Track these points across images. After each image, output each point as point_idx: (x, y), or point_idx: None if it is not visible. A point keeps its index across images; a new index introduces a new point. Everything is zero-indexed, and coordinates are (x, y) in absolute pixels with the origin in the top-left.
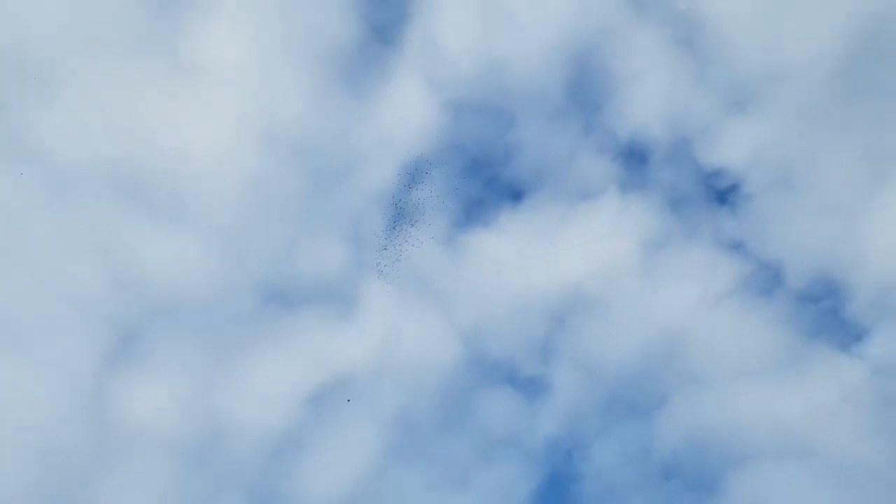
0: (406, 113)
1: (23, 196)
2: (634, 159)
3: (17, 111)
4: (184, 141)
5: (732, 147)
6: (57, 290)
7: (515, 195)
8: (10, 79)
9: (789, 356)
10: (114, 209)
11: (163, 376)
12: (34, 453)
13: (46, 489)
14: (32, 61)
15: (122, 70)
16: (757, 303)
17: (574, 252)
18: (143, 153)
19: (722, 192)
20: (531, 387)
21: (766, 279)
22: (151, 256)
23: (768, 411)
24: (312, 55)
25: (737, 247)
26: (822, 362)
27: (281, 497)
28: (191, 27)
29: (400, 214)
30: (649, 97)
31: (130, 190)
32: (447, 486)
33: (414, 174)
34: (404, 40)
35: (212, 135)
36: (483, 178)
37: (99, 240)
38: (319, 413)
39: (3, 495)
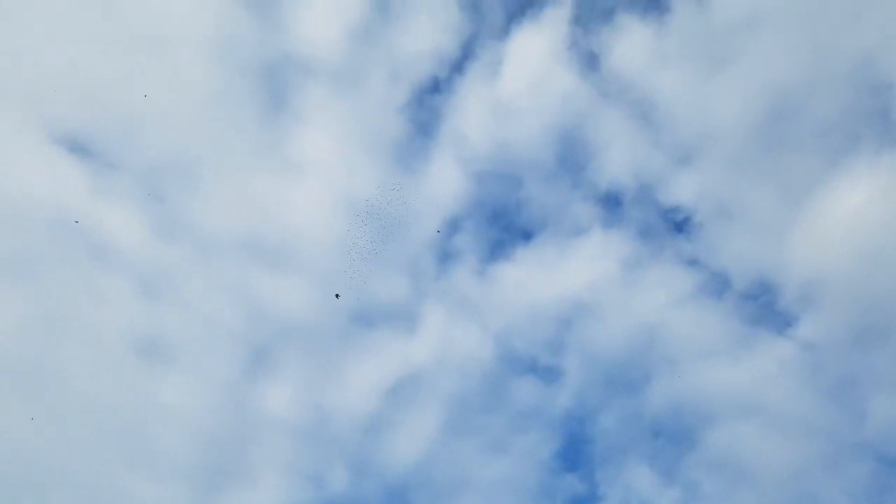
0: (443, 183)
1: (181, 258)
2: (611, 203)
3: (174, 197)
4: (291, 213)
5: (683, 190)
6: (208, 323)
7: (526, 235)
8: (168, 174)
9: (739, 340)
10: (245, 264)
11: (285, 380)
12: (198, 438)
13: (208, 461)
14: (184, 161)
15: (247, 165)
16: (711, 302)
17: (573, 273)
18: (263, 224)
19: (679, 223)
20: (548, 373)
21: (717, 284)
22: (273, 295)
23: (727, 382)
24: (377, 146)
25: (693, 262)
26: (764, 344)
27: (372, 464)
28: (293, 132)
29: (444, 255)
30: (619, 158)
31: (256, 250)
32: (491, 451)
33: (453, 225)
34: (439, 132)
35: (310, 208)
36: (501, 225)
37: (236, 286)
38: (396, 401)
39: (181, 466)
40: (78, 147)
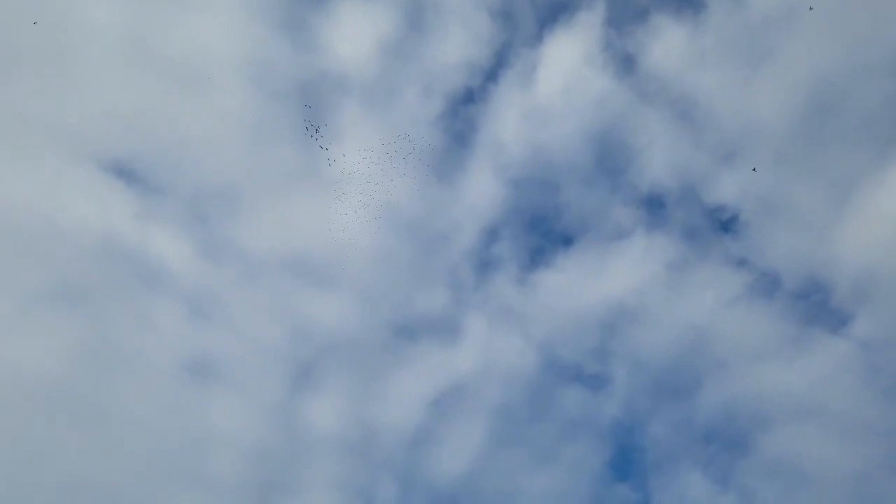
0: (481, 192)
1: (226, 279)
2: (654, 206)
3: (219, 220)
4: (333, 233)
5: (728, 188)
6: (255, 342)
7: (567, 241)
8: (212, 198)
9: (792, 341)
10: (289, 282)
11: (330, 395)
12: (247, 455)
13: (257, 478)
14: (227, 184)
15: (287, 185)
16: (762, 303)
17: (616, 278)
18: (305, 244)
19: (725, 223)
20: (595, 381)
21: (767, 284)
22: (316, 312)
23: (781, 384)
24: (415, 159)
25: (741, 262)
26: (818, 344)
27: (420, 476)
28: (330, 150)
29: (484, 264)
30: (660, 159)
31: (298, 269)
32: (539, 462)
33: (491, 234)
34: (475, 141)
35: (352, 225)
36: (541, 231)
37: (280, 304)
38: (441, 413)
39: (231, 484)
40: (125, 174)
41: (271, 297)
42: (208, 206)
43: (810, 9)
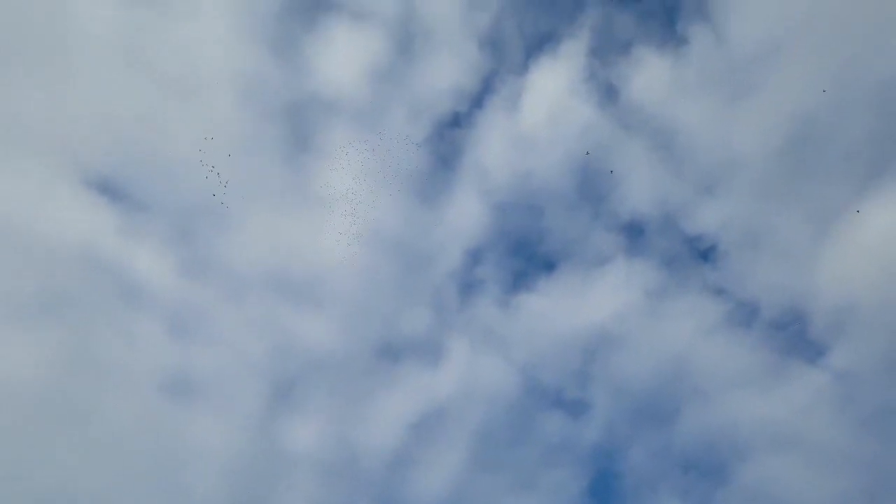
0: (465, 215)
1: (209, 297)
2: (634, 233)
3: (203, 237)
4: (317, 251)
5: (707, 218)
6: (236, 360)
7: (549, 266)
8: (197, 214)
9: (770, 371)
10: (272, 301)
11: (310, 415)
12: (225, 475)
13: (234, 495)
14: (212, 201)
15: (273, 204)
16: (740, 332)
17: (597, 303)
18: (289, 262)
19: (704, 252)
20: (575, 406)
21: (745, 314)
22: (299, 331)
23: (759, 414)
24: (399, 181)
25: (720, 291)
26: (796, 374)
27: (399, 499)
28: (317, 171)
29: (467, 286)
30: (641, 188)
31: (282, 287)
32: (519, 487)
33: (474, 257)
34: (460, 165)
35: (335, 245)
36: (524, 255)
37: (262, 323)
38: (421, 435)
39: (207, 500)
40: (109, 189)
41: (254, 315)
42: (193, 222)
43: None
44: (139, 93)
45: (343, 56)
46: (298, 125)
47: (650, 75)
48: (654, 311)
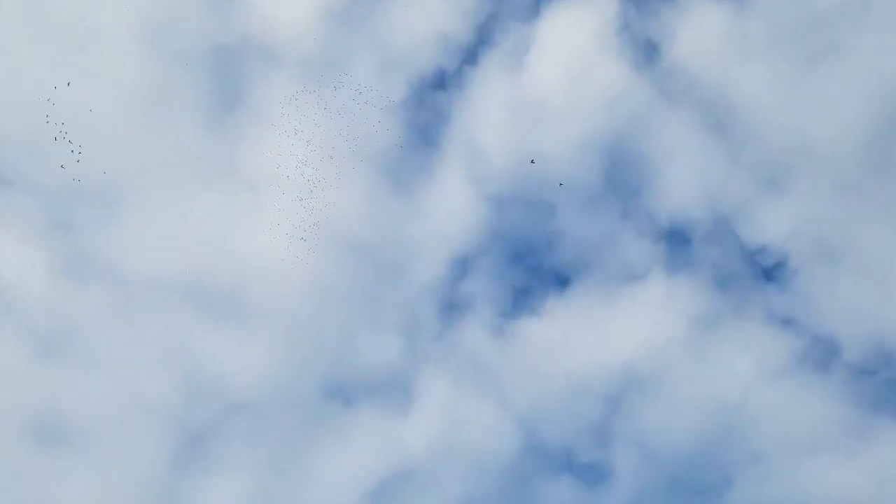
0: (451, 208)
1: (93, 308)
2: (677, 240)
3: (87, 226)
4: (245, 250)
5: (773, 224)
6: (129, 395)
7: (561, 281)
8: (79, 195)
9: (852, 430)
10: (181, 317)
11: (229, 474)
12: None
13: None
14: (102, 177)
15: (186, 183)
16: (814, 377)
17: (624, 333)
18: (208, 264)
19: (768, 269)
20: (591, 473)
21: (821, 353)
22: (218, 359)
23: (836, 489)
24: (362, 160)
25: (788, 322)
26: (888, 435)
27: None
28: (249, 140)
29: (451, 305)
30: (686, 180)
31: (196, 299)
32: None
33: (461, 266)
34: (445, 141)
35: (270, 242)
36: (528, 266)
37: (167, 346)
38: None
39: None
40: None
41: (155, 335)
42: (74, 206)
43: None
44: (23, 39)
45: None
46: (224, 78)
47: (702, 29)
48: (700, 345)
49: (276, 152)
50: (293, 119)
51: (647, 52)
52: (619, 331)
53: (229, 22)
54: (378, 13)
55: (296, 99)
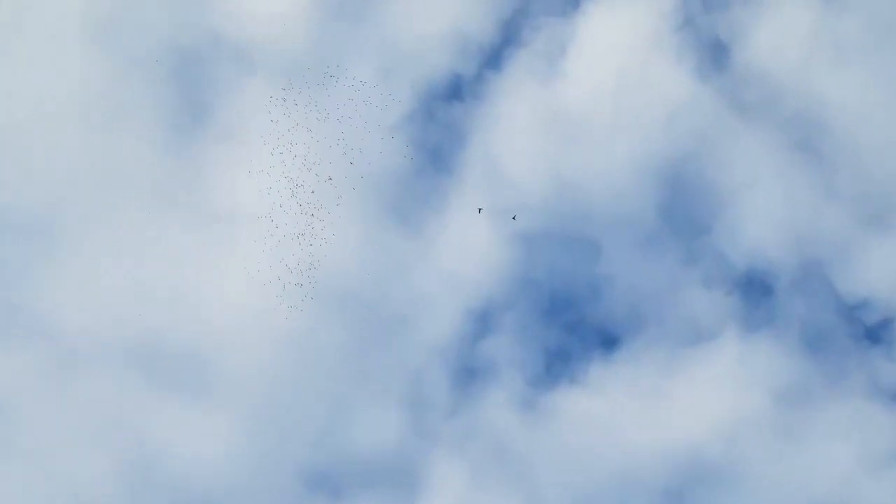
0: (468, 249)
1: (16, 375)
2: (756, 290)
3: (12, 275)
4: (211, 302)
5: (878, 271)
6: (61, 487)
7: (608, 341)
8: (2, 236)
9: None
10: (127, 386)
11: None
12: None
13: None
14: (30, 209)
15: (136, 217)
16: None
17: (688, 409)
18: (161, 320)
19: (872, 328)
20: None
21: None
22: (171, 438)
23: None
24: (358, 188)
25: None
26: None
27: None
28: (217, 162)
29: (468, 371)
30: (766, 214)
31: (147, 365)
32: None
33: (482, 321)
34: (461, 163)
35: (243, 292)
36: (566, 321)
37: (110, 424)
38: None
39: None
40: None
41: (95, 411)
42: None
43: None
44: None
45: None
46: (189, 85)
47: (782, 26)
48: (786, 425)
49: (251, 180)
50: (275, 138)
51: (714, 55)
52: (683, 406)
53: (195, 19)
54: (379, 6)
55: (275, 121)
